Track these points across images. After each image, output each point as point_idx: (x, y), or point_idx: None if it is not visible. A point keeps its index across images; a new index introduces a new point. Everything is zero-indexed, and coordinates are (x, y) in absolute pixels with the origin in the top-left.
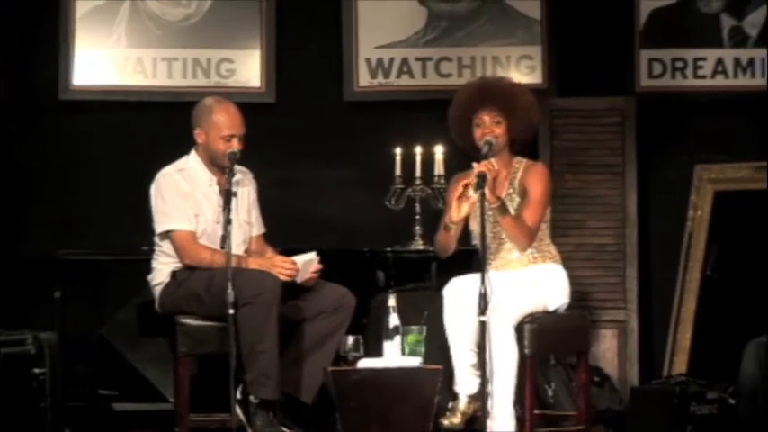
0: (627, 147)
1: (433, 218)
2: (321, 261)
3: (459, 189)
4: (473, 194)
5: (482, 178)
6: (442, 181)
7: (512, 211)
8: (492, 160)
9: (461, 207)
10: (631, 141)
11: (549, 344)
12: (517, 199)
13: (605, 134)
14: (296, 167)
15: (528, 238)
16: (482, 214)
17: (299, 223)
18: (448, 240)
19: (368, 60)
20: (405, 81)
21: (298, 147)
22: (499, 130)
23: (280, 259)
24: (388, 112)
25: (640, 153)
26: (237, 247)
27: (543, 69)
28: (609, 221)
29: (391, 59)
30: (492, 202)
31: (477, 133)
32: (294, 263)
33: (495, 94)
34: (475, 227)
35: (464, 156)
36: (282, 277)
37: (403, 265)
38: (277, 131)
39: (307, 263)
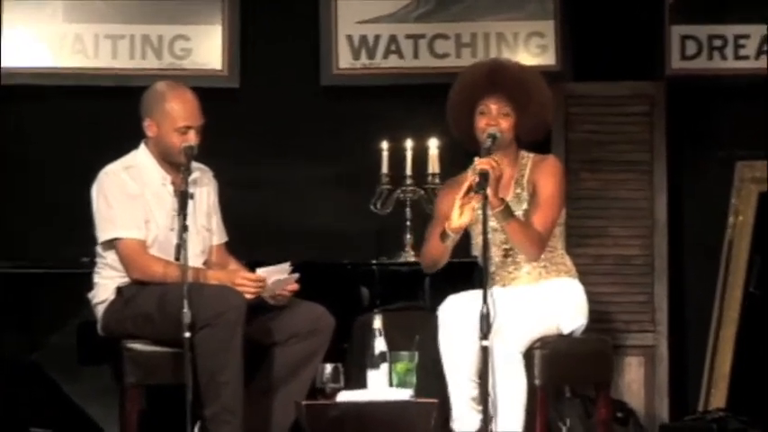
0: (655, 140)
1: (427, 224)
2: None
3: (461, 193)
4: (473, 198)
5: (484, 177)
6: (437, 180)
7: (519, 214)
8: (495, 157)
9: (464, 211)
10: (660, 134)
11: (564, 373)
12: (526, 200)
13: (630, 125)
14: (264, 164)
15: (538, 245)
16: (484, 220)
17: (268, 231)
18: (442, 252)
19: (349, 38)
20: (393, 62)
21: (266, 140)
22: (506, 124)
23: (242, 273)
24: (374, 99)
25: (671, 148)
26: (195, 259)
27: (556, 48)
28: (634, 228)
29: (377, 37)
30: (495, 205)
31: (481, 123)
32: (262, 277)
33: (507, 80)
34: (476, 235)
35: (463, 152)
36: (248, 294)
37: (391, 280)
38: (242, 122)
39: (278, 277)
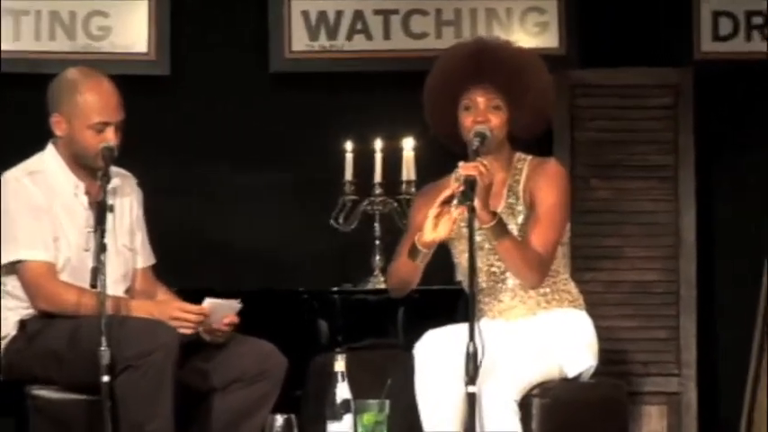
0: (681, 140)
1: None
2: (240, 307)
3: (438, 202)
4: (455, 209)
5: (470, 185)
6: (413, 190)
7: (514, 232)
8: (484, 161)
9: (439, 224)
10: (687, 132)
11: (569, 425)
12: (522, 212)
13: (649, 122)
14: (200, 169)
15: (538, 269)
16: (470, 237)
17: (205, 250)
18: (411, 272)
19: (305, 14)
20: (359, 44)
21: (203, 139)
22: (497, 120)
23: (178, 304)
24: (335, 89)
25: (701, 149)
26: (116, 285)
27: (559, 27)
28: (655, 249)
29: (339, 13)
30: (485, 220)
31: (466, 119)
32: (206, 311)
33: (498, 65)
34: (460, 256)
35: (444, 154)
36: (183, 330)
37: (356, 311)
38: (173, 117)
39: (219, 309)
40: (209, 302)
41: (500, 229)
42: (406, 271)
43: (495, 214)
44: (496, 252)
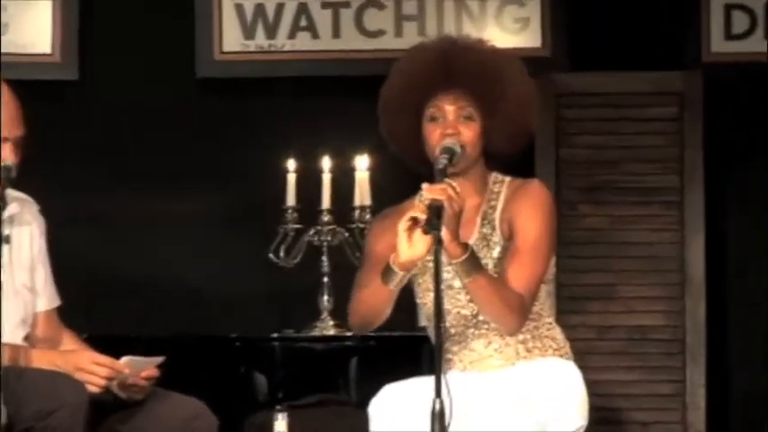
0: (688, 158)
1: (353, 280)
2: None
3: (403, 220)
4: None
5: (436, 212)
6: (368, 216)
7: (489, 268)
8: (453, 183)
9: (414, 240)
10: (695, 148)
11: None
12: (499, 244)
13: (650, 136)
14: (114, 193)
15: (518, 312)
16: (437, 274)
17: (121, 290)
18: (384, 300)
19: (239, 8)
20: (303, 44)
21: (117, 157)
22: (469, 133)
23: (88, 355)
24: (275, 97)
25: (711, 169)
26: (13, 331)
27: (543, 24)
28: (657, 288)
29: (280, 6)
30: (454, 253)
31: (432, 133)
32: (115, 364)
33: (468, 67)
34: (425, 296)
35: (406, 173)
36: (93, 386)
37: (300, 362)
38: (81, 130)
39: (138, 366)
40: (126, 360)
41: (472, 264)
42: (378, 299)
43: (466, 247)
44: (468, 291)
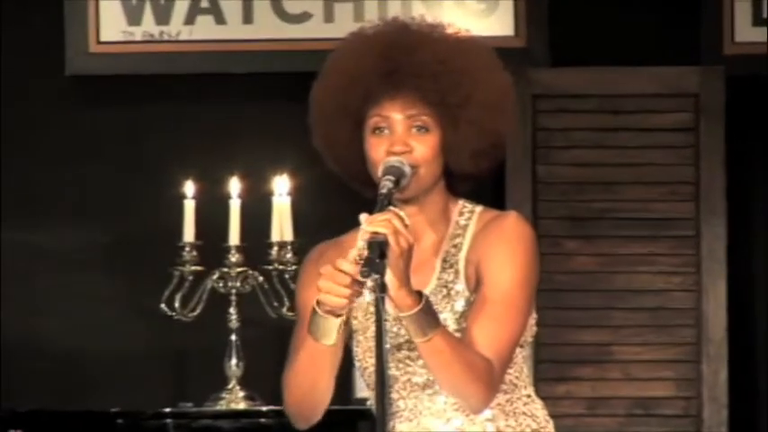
0: (705, 179)
1: (271, 338)
2: None
3: (350, 255)
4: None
5: (378, 250)
6: (289, 256)
7: (449, 326)
8: (400, 212)
9: (354, 288)
10: (715, 166)
11: None
12: (464, 296)
13: (657, 151)
14: None
15: (484, 383)
16: (379, 331)
17: None
18: (318, 367)
19: None
20: (204, 31)
21: None
22: (424, 148)
23: None
24: (168, 100)
25: (736, 192)
26: None
27: (516, 7)
28: (665, 349)
29: None
30: (402, 304)
31: (375, 149)
32: None
33: (422, 61)
34: (364, 358)
35: (345, 199)
36: None
37: None
38: None
39: None
40: None
41: (426, 319)
42: (313, 366)
43: (419, 296)
44: (421, 354)
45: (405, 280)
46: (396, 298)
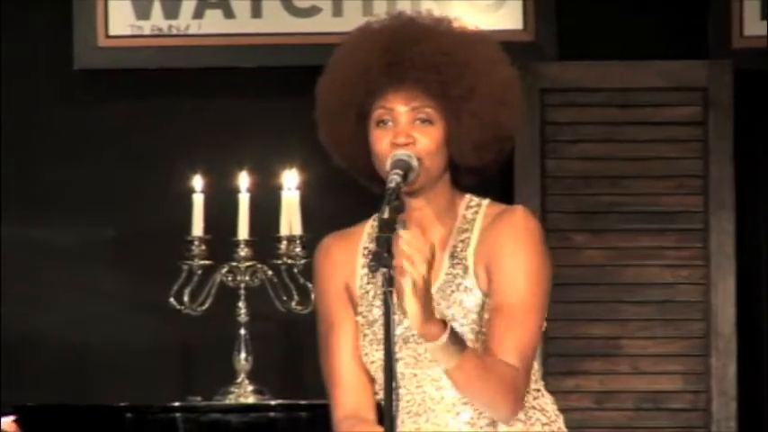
0: (714, 173)
1: (280, 333)
2: (21, 426)
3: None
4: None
5: (385, 244)
6: (298, 250)
7: (458, 320)
8: (407, 233)
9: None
10: (723, 160)
11: None
12: (472, 290)
13: (665, 144)
14: None
15: (513, 393)
16: (387, 323)
17: None
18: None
19: None
20: (213, 25)
21: None
22: (428, 141)
23: None
24: (177, 94)
25: (744, 187)
26: None
27: (525, 3)
28: (674, 343)
29: None
30: (428, 335)
31: (379, 142)
32: None
33: (427, 55)
34: (371, 352)
35: (354, 190)
36: None
37: None
38: None
39: None
40: None
41: (454, 347)
42: None
43: (444, 325)
44: (449, 377)
45: (428, 314)
46: (421, 331)
